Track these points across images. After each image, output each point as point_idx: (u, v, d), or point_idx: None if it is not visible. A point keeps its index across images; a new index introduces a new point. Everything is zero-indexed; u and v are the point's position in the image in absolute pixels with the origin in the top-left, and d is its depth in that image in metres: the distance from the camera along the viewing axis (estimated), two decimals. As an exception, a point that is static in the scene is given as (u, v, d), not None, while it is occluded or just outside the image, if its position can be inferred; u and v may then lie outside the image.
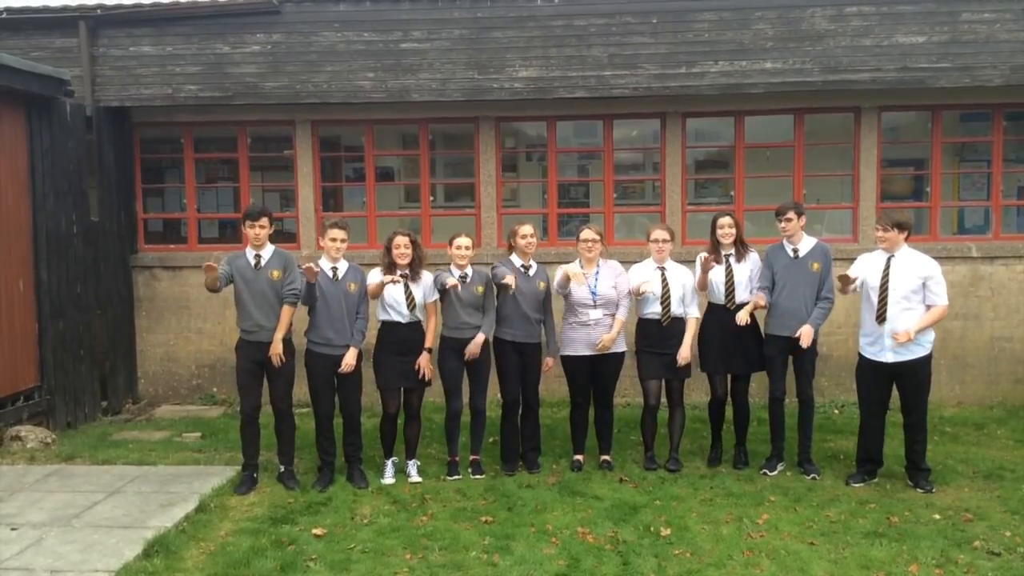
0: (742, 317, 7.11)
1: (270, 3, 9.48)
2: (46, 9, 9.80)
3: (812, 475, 7.12)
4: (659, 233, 7.36)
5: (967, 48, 9.03)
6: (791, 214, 7.23)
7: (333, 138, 10.59)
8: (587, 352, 7.30)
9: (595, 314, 7.26)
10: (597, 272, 7.30)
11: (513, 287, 7.10)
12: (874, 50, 9.08)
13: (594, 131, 10.24)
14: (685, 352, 7.29)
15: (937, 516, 6.22)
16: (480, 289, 7.24)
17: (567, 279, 7.16)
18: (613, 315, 7.30)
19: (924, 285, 6.66)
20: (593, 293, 7.25)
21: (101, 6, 9.67)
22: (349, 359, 7.00)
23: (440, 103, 9.63)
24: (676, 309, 7.30)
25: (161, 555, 5.63)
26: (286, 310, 6.89)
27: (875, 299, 6.77)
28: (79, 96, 9.41)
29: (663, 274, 7.31)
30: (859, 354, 7.04)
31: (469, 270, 7.26)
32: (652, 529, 6.03)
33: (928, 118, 9.75)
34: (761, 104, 9.63)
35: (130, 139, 10.23)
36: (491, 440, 7.99)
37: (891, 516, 6.23)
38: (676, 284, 7.30)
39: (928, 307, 6.67)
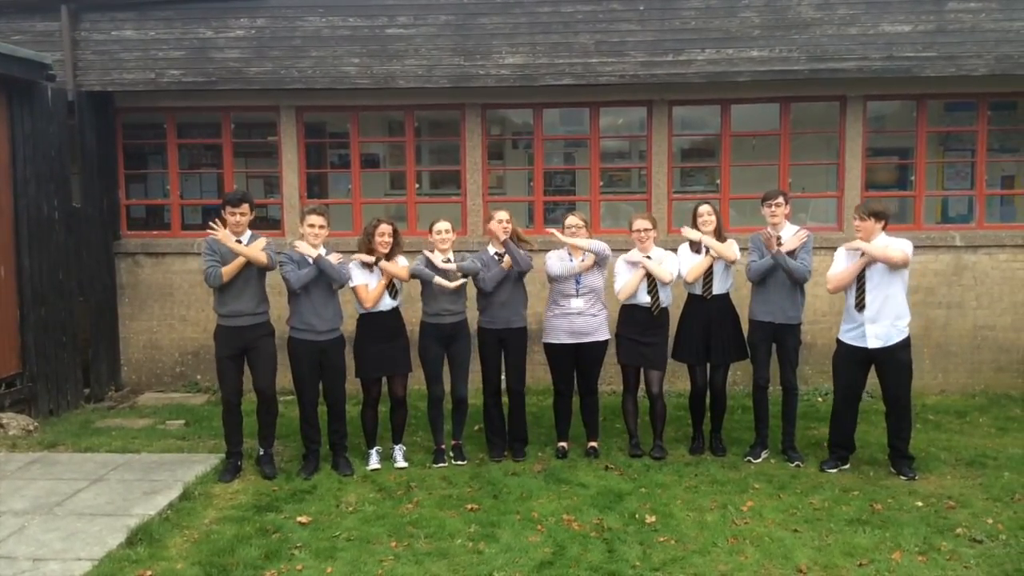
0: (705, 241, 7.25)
1: (254, -13, 9.41)
2: (27, -8, 9.70)
3: (796, 463, 7.15)
4: (641, 223, 7.35)
5: (953, 37, 9.04)
6: (780, 199, 7.26)
7: (318, 124, 10.53)
8: (569, 340, 7.31)
9: (576, 303, 7.27)
10: (583, 260, 7.29)
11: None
12: (860, 39, 9.08)
13: (580, 119, 10.21)
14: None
15: (920, 503, 6.26)
16: (459, 274, 7.24)
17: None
18: (595, 305, 7.30)
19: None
20: (577, 282, 7.25)
21: (83, -11, 9.57)
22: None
23: (426, 90, 9.57)
24: (664, 298, 7.31)
25: (144, 543, 5.61)
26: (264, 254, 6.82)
27: (853, 291, 6.83)
28: (61, 81, 9.30)
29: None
30: (838, 340, 7.07)
31: (451, 255, 7.26)
32: (637, 516, 6.05)
33: (913, 107, 9.78)
34: (747, 92, 9.62)
35: (112, 124, 10.13)
36: (476, 428, 7.99)
37: (874, 503, 6.26)
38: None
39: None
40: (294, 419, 7.39)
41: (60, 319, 9.14)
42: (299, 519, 6.04)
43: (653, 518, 6.00)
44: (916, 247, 9.33)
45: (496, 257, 7.34)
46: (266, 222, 10.35)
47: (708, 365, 7.49)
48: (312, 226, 6.96)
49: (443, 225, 7.25)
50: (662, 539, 5.68)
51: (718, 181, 9.93)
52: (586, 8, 9.24)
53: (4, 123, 8.53)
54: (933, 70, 9.11)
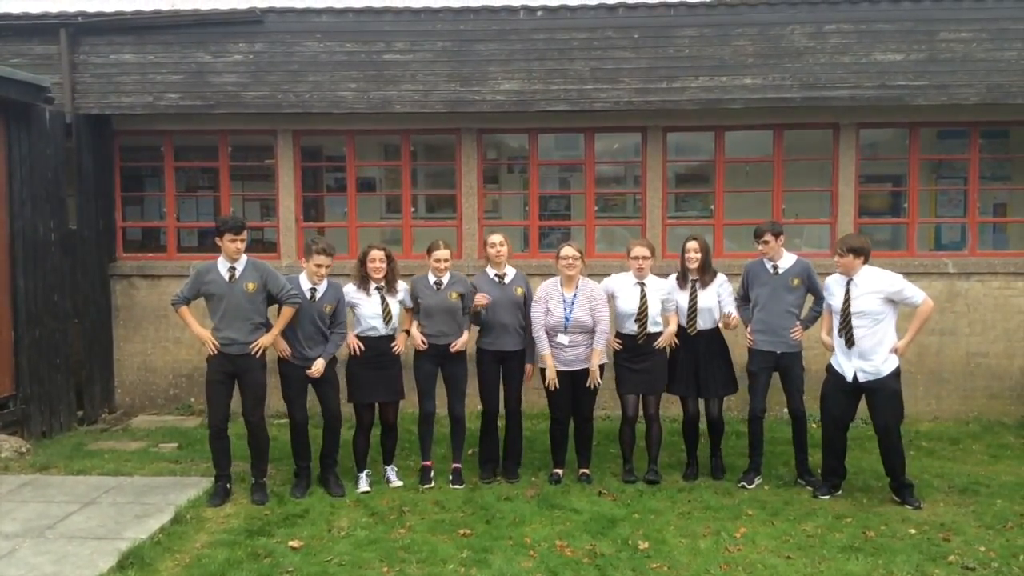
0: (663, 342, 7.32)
1: (252, 13, 9.49)
2: (26, 16, 9.75)
3: (815, 489, 7.10)
4: (639, 249, 7.35)
5: (945, 67, 9.14)
6: (768, 236, 7.29)
7: (315, 148, 10.58)
8: (563, 368, 7.29)
9: (563, 339, 7.24)
10: (575, 296, 7.27)
11: (483, 304, 7.23)
12: (853, 67, 9.18)
13: (575, 144, 10.28)
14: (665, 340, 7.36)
15: (913, 531, 6.25)
16: (454, 295, 7.28)
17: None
18: (587, 337, 7.27)
19: (891, 301, 6.73)
20: (566, 319, 7.23)
21: (82, 13, 9.64)
22: (317, 366, 7.00)
23: (422, 114, 9.64)
24: (652, 327, 7.33)
25: (135, 567, 5.58)
26: (288, 310, 6.88)
27: (838, 324, 6.89)
28: (59, 103, 9.35)
29: (642, 290, 7.32)
30: (829, 367, 7.08)
31: (446, 277, 7.29)
32: (630, 542, 6.03)
33: (906, 135, 9.85)
34: (741, 119, 9.70)
35: (110, 147, 10.18)
36: (471, 452, 7.98)
37: (867, 530, 6.26)
38: (655, 300, 7.31)
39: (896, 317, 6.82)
40: (287, 443, 7.38)
41: (54, 341, 9.13)
42: (291, 543, 6.01)
43: (646, 544, 5.99)
44: (909, 274, 9.41)
45: (496, 279, 7.36)
46: (262, 245, 10.38)
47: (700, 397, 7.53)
48: (320, 266, 6.95)
49: (442, 253, 7.24)
50: (655, 565, 5.67)
51: (712, 207, 9.98)
52: (581, 35, 9.34)
53: (1, 145, 8.55)
54: (925, 99, 9.20)
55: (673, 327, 7.39)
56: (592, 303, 7.24)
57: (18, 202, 8.68)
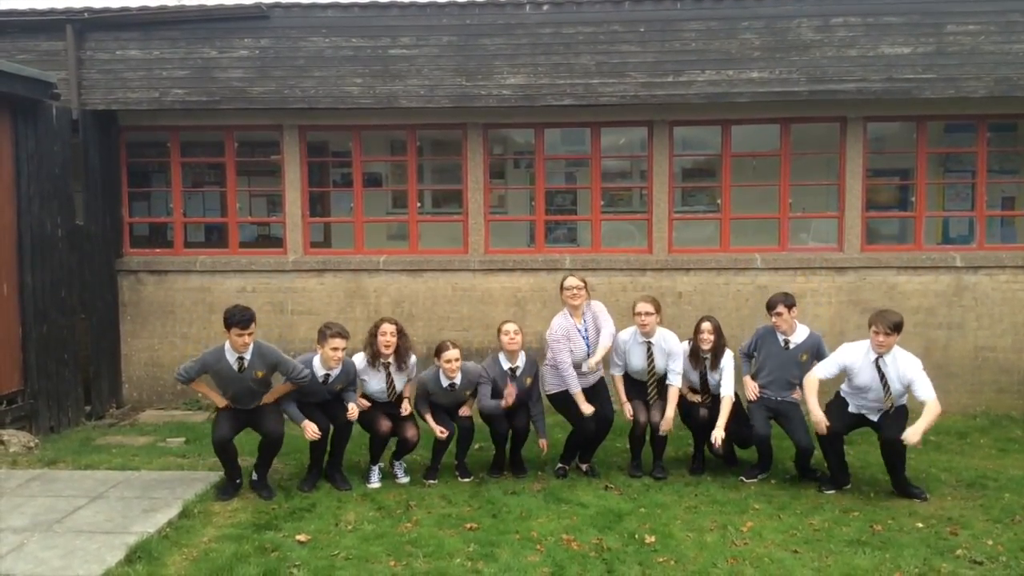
0: (716, 436, 7.11)
1: (258, 8, 9.49)
2: (32, 12, 9.78)
3: (820, 480, 7.12)
4: (642, 305, 7.29)
5: (952, 60, 9.10)
6: (780, 307, 7.26)
7: (321, 143, 10.58)
8: (586, 386, 7.31)
9: (590, 363, 7.27)
10: (586, 325, 7.28)
11: (509, 403, 7.24)
12: (860, 60, 9.15)
13: (582, 138, 10.27)
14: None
15: (920, 525, 6.24)
16: (467, 393, 7.38)
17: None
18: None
19: (907, 387, 6.75)
20: (587, 345, 7.24)
21: (88, 9, 9.66)
22: (353, 411, 7.06)
23: (428, 109, 9.63)
24: (659, 372, 7.40)
25: (143, 561, 5.59)
26: (287, 385, 6.97)
27: (871, 398, 6.87)
28: (65, 99, 9.37)
29: (649, 349, 7.34)
30: (839, 394, 7.10)
31: (458, 379, 7.26)
32: (637, 536, 6.03)
33: (913, 128, 9.81)
34: (748, 113, 9.67)
35: (116, 143, 10.20)
36: (477, 447, 7.98)
37: (874, 524, 6.24)
38: (661, 358, 7.35)
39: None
40: (295, 437, 7.38)
41: (62, 336, 9.16)
42: (298, 537, 6.02)
43: (652, 538, 5.98)
44: (917, 268, 9.47)
45: (509, 371, 7.31)
46: (268, 240, 10.40)
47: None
48: (336, 349, 6.93)
49: (452, 354, 7.18)
50: (661, 559, 5.66)
51: (719, 201, 9.96)
52: (587, 29, 9.32)
53: (8, 141, 8.58)
54: (933, 92, 9.16)
55: (671, 415, 7.35)
56: (600, 323, 7.30)
57: (25, 198, 8.70)
